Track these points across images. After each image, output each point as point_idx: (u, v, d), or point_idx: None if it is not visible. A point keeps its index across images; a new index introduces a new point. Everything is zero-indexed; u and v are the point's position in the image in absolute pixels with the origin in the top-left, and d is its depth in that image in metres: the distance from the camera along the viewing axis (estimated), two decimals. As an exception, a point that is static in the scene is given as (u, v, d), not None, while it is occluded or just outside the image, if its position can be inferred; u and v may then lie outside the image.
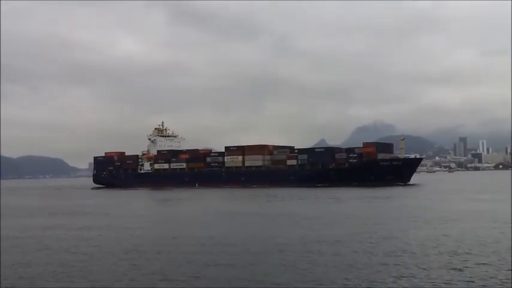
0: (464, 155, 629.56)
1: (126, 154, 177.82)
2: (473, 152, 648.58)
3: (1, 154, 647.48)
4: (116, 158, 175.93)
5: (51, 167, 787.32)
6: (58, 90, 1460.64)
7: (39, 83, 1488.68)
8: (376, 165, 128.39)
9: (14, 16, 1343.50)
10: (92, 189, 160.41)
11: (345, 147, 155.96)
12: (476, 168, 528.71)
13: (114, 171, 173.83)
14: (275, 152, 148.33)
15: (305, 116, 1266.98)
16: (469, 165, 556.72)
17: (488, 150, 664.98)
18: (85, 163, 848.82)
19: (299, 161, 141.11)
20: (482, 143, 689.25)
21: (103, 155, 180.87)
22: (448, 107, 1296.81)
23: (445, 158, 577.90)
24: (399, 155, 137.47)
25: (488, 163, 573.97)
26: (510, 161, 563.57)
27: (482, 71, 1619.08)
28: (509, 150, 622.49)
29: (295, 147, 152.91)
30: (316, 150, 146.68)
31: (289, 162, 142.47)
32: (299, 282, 22.07)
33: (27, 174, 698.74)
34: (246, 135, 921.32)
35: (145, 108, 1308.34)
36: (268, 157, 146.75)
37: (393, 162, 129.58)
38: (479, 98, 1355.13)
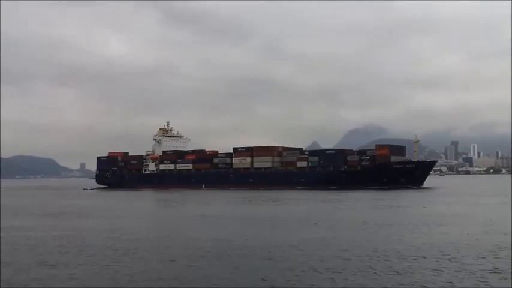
0: (455, 159, 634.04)
1: (130, 154, 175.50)
2: (464, 156, 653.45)
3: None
4: (119, 158, 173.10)
5: (42, 167, 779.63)
6: (49, 90, 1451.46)
7: (30, 83, 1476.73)
8: (390, 167, 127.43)
9: (3, 16, 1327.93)
10: (85, 189, 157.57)
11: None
12: (467, 172, 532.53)
13: (117, 172, 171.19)
14: (284, 154, 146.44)
15: (296, 119, 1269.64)
16: (460, 169, 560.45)
17: (479, 154, 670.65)
18: (76, 163, 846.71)
19: (310, 163, 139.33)
20: (474, 147, 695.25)
21: (106, 155, 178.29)
22: (439, 111, 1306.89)
23: (437, 161, 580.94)
24: (412, 158, 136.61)
25: (479, 167, 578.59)
26: (501, 165, 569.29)
27: (472, 75, 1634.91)
28: (500, 155, 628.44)
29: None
30: (328, 152, 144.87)
31: (300, 164, 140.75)
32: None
33: (17, 174, 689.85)
34: (237, 137, 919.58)
35: (136, 110, 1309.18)
36: (277, 159, 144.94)
37: (407, 165, 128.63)
38: (470, 102, 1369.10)
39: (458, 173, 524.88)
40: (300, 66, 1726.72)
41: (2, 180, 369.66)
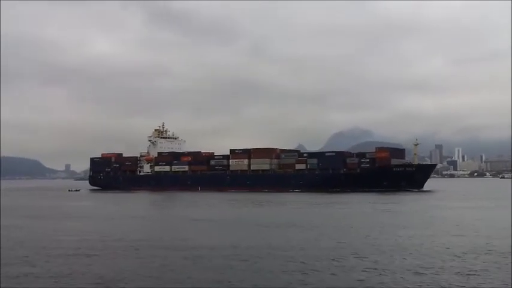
0: (440, 162, 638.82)
1: (123, 155, 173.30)
2: (448, 159, 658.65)
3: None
4: (113, 159, 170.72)
5: (27, 169, 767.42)
6: (34, 90, 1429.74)
7: (16, 82, 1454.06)
8: (390, 170, 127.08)
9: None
10: (70, 191, 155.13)
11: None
12: (452, 176, 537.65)
13: (111, 173, 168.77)
14: (282, 156, 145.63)
15: (283, 121, 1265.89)
16: (444, 173, 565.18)
17: (463, 157, 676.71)
18: (61, 165, 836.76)
19: (308, 165, 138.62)
20: (458, 150, 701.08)
21: (96, 156, 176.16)
22: (424, 114, 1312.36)
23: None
24: (412, 161, 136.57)
25: (463, 170, 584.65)
26: (485, 169, 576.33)
27: (458, 79, 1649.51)
28: (484, 159, 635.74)
29: (302, 151, 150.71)
30: (327, 154, 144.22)
31: (298, 166, 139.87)
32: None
33: (2, 175, 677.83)
34: (222, 139, 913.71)
35: (122, 110, 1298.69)
36: (275, 161, 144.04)
37: (407, 168, 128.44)
38: (455, 106, 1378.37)
39: (443, 176, 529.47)
40: (287, 68, 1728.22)
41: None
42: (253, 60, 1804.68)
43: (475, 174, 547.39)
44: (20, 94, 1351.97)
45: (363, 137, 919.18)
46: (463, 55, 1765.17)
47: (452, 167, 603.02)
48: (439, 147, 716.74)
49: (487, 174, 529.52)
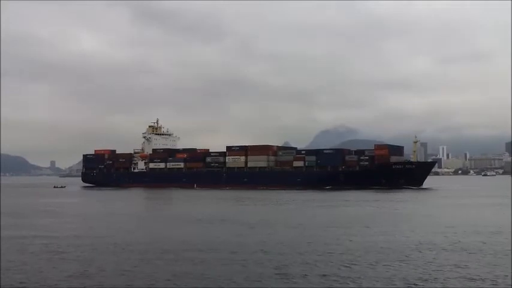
0: (424, 160, 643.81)
1: (117, 152, 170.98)
2: (433, 157, 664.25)
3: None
4: (106, 156, 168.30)
5: (11, 165, 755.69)
6: (18, 86, 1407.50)
7: (2, 79, 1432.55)
8: (389, 168, 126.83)
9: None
10: (55, 187, 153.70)
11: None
12: (436, 173, 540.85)
13: (105, 170, 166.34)
14: (280, 153, 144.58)
15: (269, 119, 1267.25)
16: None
17: (447, 155, 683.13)
18: (46, 161, 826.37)
19: (306, 163, 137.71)
20: (443, 148, 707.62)
21: (92, 152, 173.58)
22: (409, 113, 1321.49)
23: (436, 162, 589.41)
24: (411, 158, 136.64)
25: (447, 168, 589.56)
26: (469, 167, 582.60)
27: (442, 78, 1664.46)
28: (468, 156, 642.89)
29: (298, 148, 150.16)
30: (325, 151, 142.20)
31: (296, 163, 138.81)
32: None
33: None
34: (209, 136, 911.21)
35: (107, 107, 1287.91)
36: (272, 158, 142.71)
37: (406, 166, 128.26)
38: (439, 104, 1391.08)
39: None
40: (274, 67, 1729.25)
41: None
42: (239, 58, 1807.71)
43: (459, 172, 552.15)
44: (3, 91, 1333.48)
45: (348, 135, 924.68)
46: (449, 54, 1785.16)
47: (436, 164, 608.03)
48: (423, 145, 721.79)
49: (471, 171, 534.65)
